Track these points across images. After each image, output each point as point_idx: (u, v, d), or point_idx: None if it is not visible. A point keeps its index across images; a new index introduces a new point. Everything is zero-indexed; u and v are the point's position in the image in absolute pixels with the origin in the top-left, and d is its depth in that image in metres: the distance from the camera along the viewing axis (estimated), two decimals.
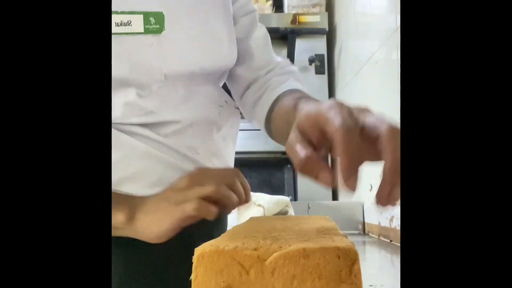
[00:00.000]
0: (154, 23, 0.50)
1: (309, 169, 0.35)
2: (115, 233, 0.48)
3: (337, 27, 1.85)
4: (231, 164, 0.66)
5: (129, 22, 0.49)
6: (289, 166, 1.90)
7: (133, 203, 0.47)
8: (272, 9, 1.96)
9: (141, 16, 0.50)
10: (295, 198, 1.81)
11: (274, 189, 1.85)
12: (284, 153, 1.84)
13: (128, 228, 0.47)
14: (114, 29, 0.49)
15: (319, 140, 0.35)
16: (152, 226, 0.46)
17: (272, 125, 0.60)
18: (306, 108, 0.37)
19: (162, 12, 0.51)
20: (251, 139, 1.80)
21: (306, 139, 0.35)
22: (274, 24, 1.83)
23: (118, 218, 0.46)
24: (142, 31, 0.50)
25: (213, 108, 0.61)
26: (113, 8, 0.48)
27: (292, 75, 0.64)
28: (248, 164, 1.81)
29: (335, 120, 0.33)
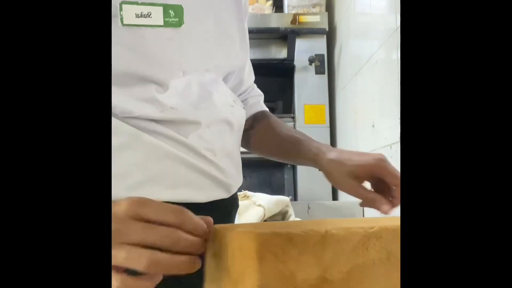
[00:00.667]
0: (174, 16, 0.50)
1: (373, 203, 0.56)
2: None
3: (337, 27, 1.85)
4: (240, 165, 0.66)
5: (149, 14, 0.48)
6: (289, 166, 1.90)
7: None
8: (272, 9, 1.96)
9: (161, 8, 0.49)
10: (295, 198, 1.80)
11: (274, 189, 1.85)
12: None
13: None
14: (135, 20, 0.48)
15: (373, 183, 0.58)
16: None
17: (253, 138, 0.72)
18: (346, 157, 0.58)
19: (181, 5, 0.50)
20: None
21: (361, 182, 0.57)
22: (274, 24, 1.83)
23: None
24: (162, 23, 0.49)
25: (226, 108, 0.61)
26: None
27: (261, 98, 0.77)
28: (248, 164, 1.81)
29: (396, 173, 0.55)
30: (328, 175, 0.61)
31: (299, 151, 0.67)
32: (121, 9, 0.47)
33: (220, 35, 0.56)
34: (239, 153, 0.66)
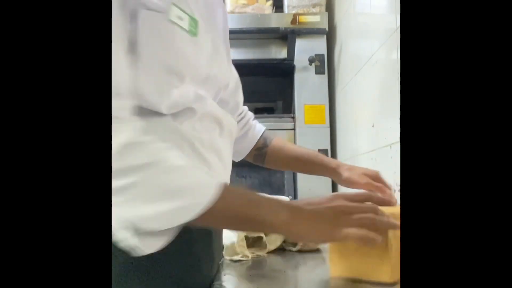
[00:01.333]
0: (194, 26, 0.61)
1: (382, 190, 0.81)
2: (268, 230, 0.64)
3: (337, 27, 1.85)
4: (229, 169, 0.72)
5: (181, 18, 0.59)
6: None
7: (293, 208, 0.54)
8: (272, 9, 1.95)
9: (188, 17, 0.60)
10: (295, 198, 1.81)
11: (274, 189, 1.85)
12: None
13: (283, 228, 0.53)
14: (175, 19, 0.58)
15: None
16: (306, 234, 0.53)
17: (269, 154, 0.94)
18: (358, 167, 0.87)
19: (198, 20, 0.61)
20: None
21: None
22: (274, 24, 1.82)
23: (280, 217, 0.52)
24: (188, 29, 0.60)
25: (218, 110, 0.67)
26: (175, 2, 0.58)
27: (253, 116, 0.96)
28: (248, 164, 1.81)
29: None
30: (347, 179, 0.85)
31: (319, 163, 0.90)
32: (170, 8, 0.57)
33: (215, 51, 0.66)
34: (231, 158, 0.72)
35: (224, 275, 0.66)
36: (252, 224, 0.54)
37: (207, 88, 0.65)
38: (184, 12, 0.59)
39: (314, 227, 0.52)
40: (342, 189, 1.76)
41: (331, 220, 0.52)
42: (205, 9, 0.65)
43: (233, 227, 0.63)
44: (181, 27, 0.58)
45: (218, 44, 0.68)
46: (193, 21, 0.60)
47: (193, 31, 0.60)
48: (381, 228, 0.51)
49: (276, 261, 0.82)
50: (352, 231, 0.50)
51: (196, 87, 0.62)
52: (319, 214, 0.53)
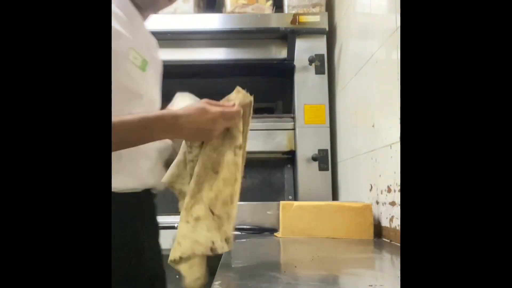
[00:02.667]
0: (144, 65, 0.89)
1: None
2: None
3: (337, 27, 1.85)
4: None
5: (135, 58, 0.86)
6: (289, 166, 1.90)
7: (175, 124, 0.80)
8: (272, 9, 1.95)
9: (141, 59, 0.88)
10: (295, 198, 1.81)
11: (274, 189, 1.85)
12: (284, 153, 1.84)
13: (170, 137, 0.85)
14: (133, 60, 0.86)
15: None
16: (188, 138, 0.83)
17: None
18: None
19: (147, 61, 0.90)
20: (251, 139, 1.80)
21: None
22: (274, 24, 1.82)
23: (165, 133, 0.78)
24: (140, 65, 0.88)
25: None
26: (132, 45, 0.86)
27: None
28: (248, 164, 1.81)
29: None
30: None
31: None
32: (130, 52, 0.84)
33: (156, 85, 0.98)
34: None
35: (224, 274, 0.66)
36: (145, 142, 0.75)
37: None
38: (138, 54, 0.86)
39: (195, 134, 0.77)
40: (343, 188, 1.76)
41: (208, 126, 0.76)
42: (148, 51, 0.92)
43: (129, 145, 0.77)
44: (135, 64, 0.85)
45: (158, 82, 1.00)
46: (144, 61, 0.88)
47: (143, 67, 0.88)
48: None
49: (276, 261, 0.82)
50: (219, 127, 0.78)
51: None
52: (195, 123, 0.76)
